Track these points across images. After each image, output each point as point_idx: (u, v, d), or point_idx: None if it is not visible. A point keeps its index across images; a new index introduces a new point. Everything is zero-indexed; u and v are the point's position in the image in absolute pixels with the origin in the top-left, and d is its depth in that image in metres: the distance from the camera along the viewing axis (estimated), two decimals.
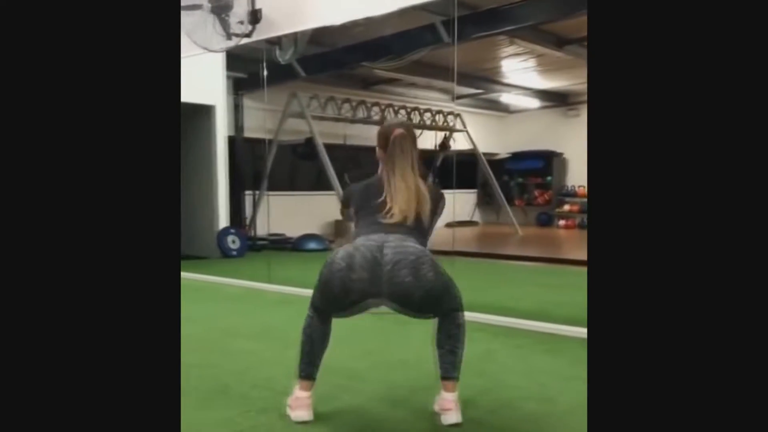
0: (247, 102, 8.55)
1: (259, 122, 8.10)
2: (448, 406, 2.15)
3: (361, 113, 8.88)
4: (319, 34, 6.13)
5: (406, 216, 2.16)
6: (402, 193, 2.18)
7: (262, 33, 5.14)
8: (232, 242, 6.90)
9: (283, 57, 5.59)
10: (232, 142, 7.72)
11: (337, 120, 8.73)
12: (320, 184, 8.75)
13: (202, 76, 6.75)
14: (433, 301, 2.12)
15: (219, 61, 6.87)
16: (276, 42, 5.40)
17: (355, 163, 8.60)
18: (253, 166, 8.54)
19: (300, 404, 2.16)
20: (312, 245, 7.57)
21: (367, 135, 8.90)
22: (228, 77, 7.49)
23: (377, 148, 2.31)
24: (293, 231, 8.05)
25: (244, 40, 5.13)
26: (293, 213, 8.58)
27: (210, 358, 3.02)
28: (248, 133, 8.49)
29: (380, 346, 3.22)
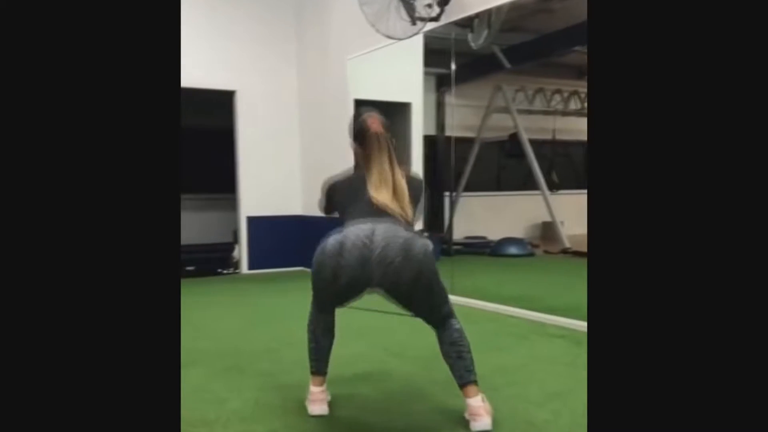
0: (450, 99, 8.16)
1: (462, 119, 7.66)
2: (477, 411, 2.11)
3: (573, 105, 8.00)
4: (522, 20, 5.58)
5: (388, 209, 2.17)
6: (381, 190, 2.19)
7: (450, 15, 4.67)
8: None
9: (476, 41, 5.04)
10: (433, 141, 7.38)
11: (546, 113, 7.97)
12: (528, 183, 8.05)
13: (398, 74, 6.52)
14: (423, 289, 2.11)
15: (417, 56, 6.59)
16: (467, 25, 4.88)
17: (565, 159, 7.75)
18: (456, 165, 8.10)
19: (314, 398, 2.25)
20: (512, 250, 6.88)
21: (579, 128, 7.97)
22: (429, 74, 7.15)
23: (352, 142, 2.30)
24: (497, 234, 7.47)
25: (431, 25, 4.71)
26: (498, 215, 8.00)
27: (360, 384, 2.59)
28: (451, 131, 8.09)
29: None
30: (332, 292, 2.16)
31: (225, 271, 6.27)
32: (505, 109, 7.56)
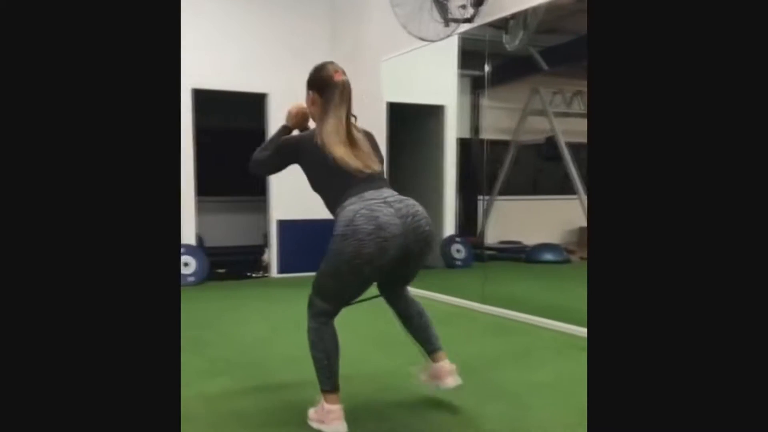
0: (485, 101, 8.00)
1: (498, 122, 7.50)
2: (450, 372, 2.30)
3: None
4: (560, 21, 5.42)
5: (373, 166, 2.15)
6: (362, 143, 2.16)
7: (485, 16, 4.55)
8: (457, 251, 6.36)
9: (511, 43, 4.90)
10: (467, 144, 7.25)
11: (584, 116, 7.76)
12: (565, 187, 7.84)
13: (432, 76, 6.41)
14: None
15: (452, 58, 6.48)
16: (502, 26, 4.74)
17: None
18: (490, 169, 7.95)
19: (336, 416, 2.12)
20: (548, 256, 6.71)
21: None
22: (465, 76, 7.02)
23: (311, 93, 2.24)
24: (532, 239, 7.30)
25: (465, 26, 4.60)
26: (534, 219, 7.81)
27: (382, 398, 2.48)
28: (486, 134, 7.93)
29: None
30: (368, 274, 2.06)
31: (255, 275, 6.24)
32: (542, 112, 7.38)
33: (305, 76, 2.12)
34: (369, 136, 2.29)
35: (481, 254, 6.74)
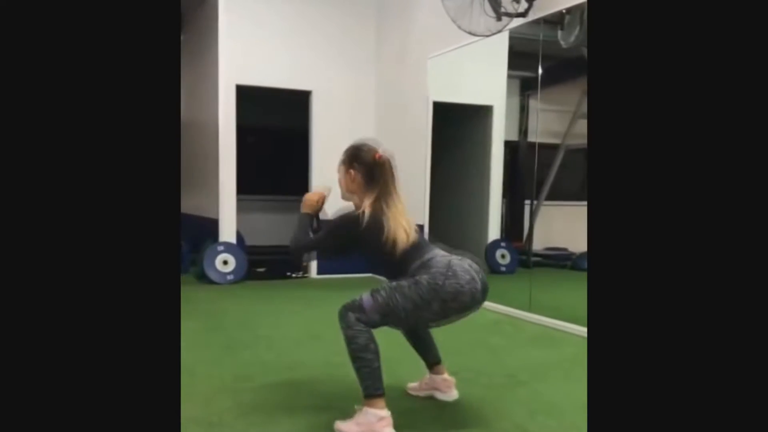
0: (534, 103, 7.78)
1: (547, 125, 7.28)
2: (450, 384, 2.48)
3: None
4: None
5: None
6: (404, 221, 2.23)
7: (539, 11, 4.35)
8: (502, 257, 6.15)
9: (567, 40, 4.68)
10: (515, 147, 7.05)
11: None
12: None
13: (481, 75, 6.24)
14: None
15: (502, 57, 6.28)
16: (557, 21, 4.54)
17: None
18: (539, 173, 7.72)
19: (388, 423, 2.07)
20: None
21: None
22: (513, 77, 6.83)
23: (352, 172, 2.27)
24: (579, 246, 7.03)
25: (517, 21, 4.41)
26: (582, 225, 7.51)
27: (428, 408, 2.31)
28: (534, 137, 7.72)
29: None
30: (452, 315, 2.17)
31: (294, 275, 6.15)
32: None
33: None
34: None
35: (526, 260, 6.52)
